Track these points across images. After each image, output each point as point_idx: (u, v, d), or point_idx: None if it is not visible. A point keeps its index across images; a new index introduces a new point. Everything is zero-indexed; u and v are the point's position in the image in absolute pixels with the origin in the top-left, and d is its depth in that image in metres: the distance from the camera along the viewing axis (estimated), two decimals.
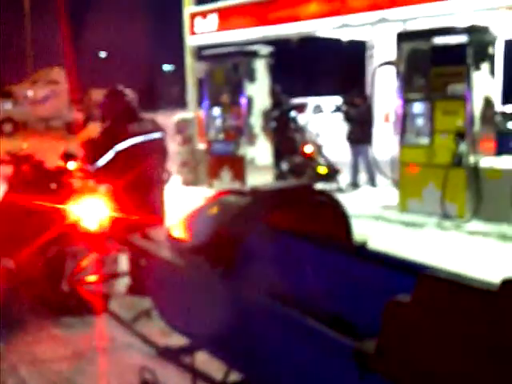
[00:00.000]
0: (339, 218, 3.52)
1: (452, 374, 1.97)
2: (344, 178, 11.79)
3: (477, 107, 8.49)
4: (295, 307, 2.68)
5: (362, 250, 3.28)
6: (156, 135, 5.80)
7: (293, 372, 2.74)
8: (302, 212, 3.51)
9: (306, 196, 3.56)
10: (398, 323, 2.13)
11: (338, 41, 14.79)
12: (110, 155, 5.47)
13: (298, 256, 3.41)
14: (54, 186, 5.54)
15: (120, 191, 5.41)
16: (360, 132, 11.54)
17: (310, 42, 14.30)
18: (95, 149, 5.57)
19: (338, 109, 13.02)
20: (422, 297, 2.06)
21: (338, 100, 20.29)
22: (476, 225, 8.20)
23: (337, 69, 35.27)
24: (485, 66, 8.56)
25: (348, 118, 11.91)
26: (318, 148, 11.98)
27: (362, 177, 11.81)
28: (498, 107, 12.24)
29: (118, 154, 5.49)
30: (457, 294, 1.98)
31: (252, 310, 2.88)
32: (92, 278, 5.10)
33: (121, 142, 5.51)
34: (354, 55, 20.33)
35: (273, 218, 3.46)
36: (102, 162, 5.47)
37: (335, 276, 3.27)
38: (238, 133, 11.44)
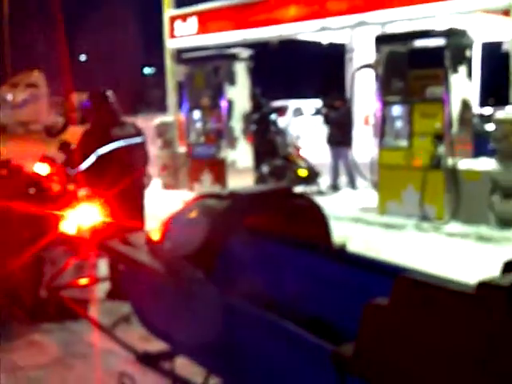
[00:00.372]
0: (318, 221, 3.52)
1: (430, 377, 1.98)
2: (324, 181, 11.83)
3: (455, 110, 8.57)
4: (275, 311, 2.68)
5: (341, 252, 3.29)
6: (138, 139, 5.78)
7: (272, 376, 2.73)
8: (281, 215, 3.52)
9: (284, 199, 3.57)
10: (376, 326, 2.14)
11: (317, 44, 14.86)
12: (91, 159, 5.44)
13: (278, 259, 3.41)
14: (32, 190, 5.49)
15: (101, 196, 5.37)
16: (340, 135, 11.59)
17: (290, 45, 14.34)
18: (77, 152, 5.54)
19: (317, 111, 13.08)
20: (399, 299, 2.07)
21: (318, 103, 20.39)
22: (455, 226, 8.27)
23: (317, 71, 35.37)
24: (462, 69, 8.65)
25: (328, 120, 11.95)
26: (299, 151, 12.03)
27: (343, 179, 11.86)
28: (476, 109, 12.36)
29: (99, 157, 5.46)
30: (434, 295, 1.99)
31: (231, 314, 2.88)
32: (71, 284, 5.06)
33: (103, 145, 5.48)
34: (333, 58, 20.41)
35: (252, 222, 3.46)
36: (83, 165, 5.44)
37: (314, 279, 3.28)
38: (219, 136, 11.44)
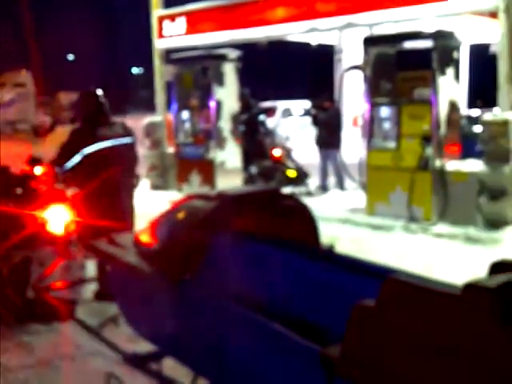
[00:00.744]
0: (306, 222, 3.53)
1: (417, 378, 1.98)
2: (313, 182, 11.84)
3: (442, 111, 8.61)
4: (263, 312, 2.68)
5: (328, 254, 3.30)
6: (126, 140, 5.76)
7: (260, 377, 2.74)
8: (269, 216, 3.52)
9: (272, 200, 3.57)
10: (363, 327, 2.15)
11: (306, 44, 14.87)
12: (76, 158, 5.42)
13: (265, 260, 3.41)
14: (19, 191, 5.47)
15: (87, 196, 5.36)
16: (329, 136, 11.60)
17: (279, 46, 14.34)
18: (63, 151, 5.53)
19: (307, 112, 13.05)
20: (386, 301, 2.08)
21: (307, 103, 20.39)
22: (442, 227, 8.31)
23: (306, 72, 35.43)
24: (450, 71, 8.69)
25: (317, 121, 11.96)
26: (287, 151, 12.03)
27: (331, 180, 11.87)
28: (464, 111, 12.43)
29: (85, 157, 5.44)
30: (421, 297, 2.00)
31: (218, 316, 2.88)
32: (58, 284, 5.04)
33: (89, 145, 5.46)
34: (322, 59, 20.45)
35: (239, 223, 3.46)
36: (69, 165, 5.42)
37: (302, 280, 3.28)
38: (207, 136, 11.43)
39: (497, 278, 1.97)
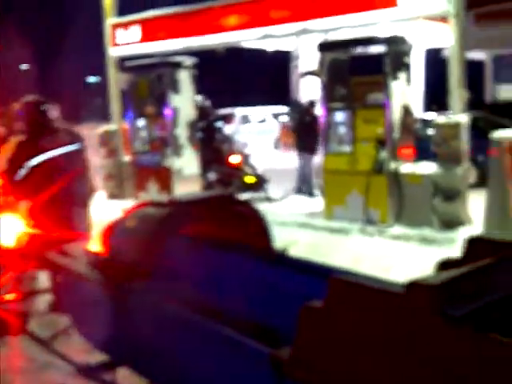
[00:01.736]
0: (259, 227, 3.53)
1: (364, 377, 1.99)
2: (272, 187, 11.82)
3: (396, 115, 8.71)
4: (215, 317, 2.66)
5: (280, 257, 3.30)
6: (72, 147, 5.63)
7: (214, 382, 2.71)
8: (221, 221, 3.51)
9: (224, 205, 3.56)
10: (312, 328, 2.15)
11: (263, 51, 14.92)
12: (23, 171, 5.32)
13: (217, 265, 3.40)
14: None
15: (37, 207, 5.25)
16: (308, 141, 11.58)
17: (236, 53, 14.37)
18: (10, 165, 5.42)
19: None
20: (333, 301, 2.08)
21: (276, 109, 20.41)
22: (398, 229, 8.40)
23: (263, 79, 35.59)
24: (402, 75, 8.80)
25: (300, 127, 11.88)
26: (245, 158, 12.03)
27: (290, 185, 11.88)
28: (419, 115, 12.60)
29: (31, 169, 5.34)
30: (365, 296, 2.01)
31: (170, 323, 2.85)
32: (9, 297, 4.92)
33: (32, 157, 5.35)
34: (279, 65, 20.56)
35: (191, 228, 3.44)
36: (17, 177, 5.32)
37: (255, 284, 3.27)
38: (164, 144, 11.36)
39: (440, 275, 2.00)
